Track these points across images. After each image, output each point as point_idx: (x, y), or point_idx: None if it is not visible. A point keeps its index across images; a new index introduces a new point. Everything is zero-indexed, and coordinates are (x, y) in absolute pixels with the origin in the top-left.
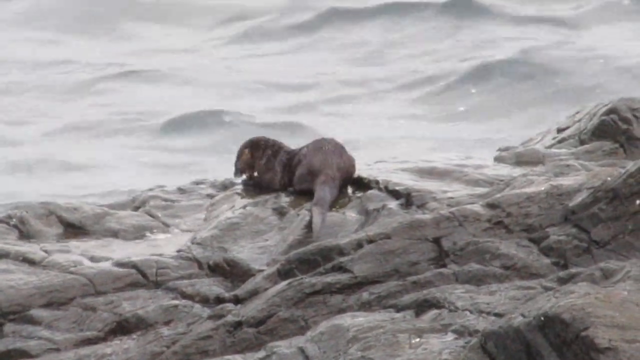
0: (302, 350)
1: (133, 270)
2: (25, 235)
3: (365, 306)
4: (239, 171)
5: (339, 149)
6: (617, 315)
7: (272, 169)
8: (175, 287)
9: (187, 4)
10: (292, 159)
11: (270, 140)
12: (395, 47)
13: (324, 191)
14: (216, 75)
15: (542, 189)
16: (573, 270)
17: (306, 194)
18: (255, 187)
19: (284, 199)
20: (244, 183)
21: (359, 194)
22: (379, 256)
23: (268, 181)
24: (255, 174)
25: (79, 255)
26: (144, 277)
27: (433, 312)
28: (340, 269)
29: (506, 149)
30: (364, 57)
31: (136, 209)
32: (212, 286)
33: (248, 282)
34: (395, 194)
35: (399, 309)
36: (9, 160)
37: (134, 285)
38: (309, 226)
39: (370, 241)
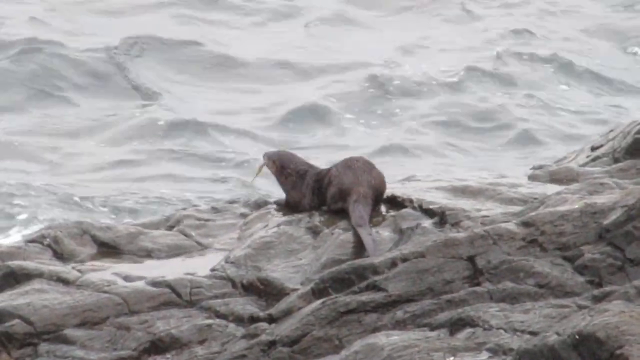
0: None
1: (167, 290)
2: (59, 254)
3: (400, 325)
4: (265, 157)
5: (368, 166)
6: None
7: (300, 192)
8: (209, 307)
9: None
10: (321, 180)
11: (301, 161)
12: None
13: (359, 210)
14: None
15: (577, 207)
16: (607, 288)
17: (340, 213)
18: (283, 205)
19: (318, 218)
20: (277, 203)
21: (393, 213)
22: (413, 275)
23: (294, 201)
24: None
25: (113, 275)
26: (178, 297)
27: (467, 331)
28: (375, 287)
29: (540, 167)
30: None
31: (170, 228)
32: (246, 305)
33: (282, 301)
34: (429, 212)
35: (433, 327)
36: None
37: (168, 304)
38: (347, 246)
39: (405, 260)
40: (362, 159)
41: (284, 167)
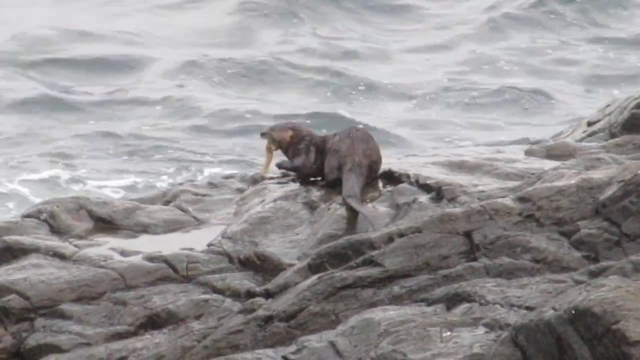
0: (333, 344)
1: (163, 265)
2: (55, 229)
3: (396, 300)
4: (266, 135)
5: (366, 137)
6: None
7: (307, 154)
8: (206, 282)
9: None
10: (323, 147)
11: (313, 132)
12: None
13: (352, 180)
14: None
15: (573, 182)
16: (604, 263)
17: (336, 187)
18: (282, 171)
19: (315, 193)
20: (279, 166)
21: (389, 188)
22: (410, 250)
23: (299, 164)
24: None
25: (110, 250)
26: (174, 272)
27: (464, 306)
28: (371, 262)
29: (537, 142)
30: None
31: (167, 203)
32: (242, 280)
33: (279, 276)
34: (426, 187)
35: (429, 302)
36: None
37: (164, 279)
38: (344, 221)
39: (401, 235)
40: (362, 130)
41: (300, 131)
